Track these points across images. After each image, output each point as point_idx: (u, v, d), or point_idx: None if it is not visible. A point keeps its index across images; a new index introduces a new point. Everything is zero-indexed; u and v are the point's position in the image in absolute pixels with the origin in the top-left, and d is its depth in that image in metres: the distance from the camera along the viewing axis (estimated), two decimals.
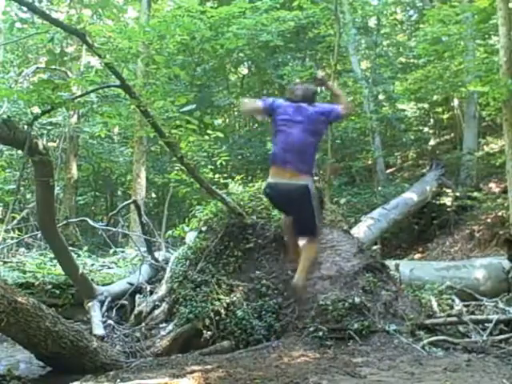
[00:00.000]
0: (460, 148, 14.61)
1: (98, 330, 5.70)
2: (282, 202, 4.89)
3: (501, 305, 6.25)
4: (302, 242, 5.00)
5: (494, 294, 6.91)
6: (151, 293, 6.56)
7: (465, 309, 6.12)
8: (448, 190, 13.10)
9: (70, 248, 7.01)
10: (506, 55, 8.83)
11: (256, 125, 20.85)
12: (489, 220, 11.55)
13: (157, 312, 6.09)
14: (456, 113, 16.39)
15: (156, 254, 7.65)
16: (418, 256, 12.20)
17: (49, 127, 14.34)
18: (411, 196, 12.58)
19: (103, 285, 6.89)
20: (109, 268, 8.44)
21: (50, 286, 6.88)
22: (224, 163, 10.07)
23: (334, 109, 4.86)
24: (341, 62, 15.57)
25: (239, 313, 5.55)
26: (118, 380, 3.89)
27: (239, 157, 17.97)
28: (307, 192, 4.62)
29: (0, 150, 12.34)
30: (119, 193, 19.84)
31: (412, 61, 16.41)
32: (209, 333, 5.57)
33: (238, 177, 8.04)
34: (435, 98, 15.80)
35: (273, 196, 4.89)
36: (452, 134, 17.12)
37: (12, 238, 9.35)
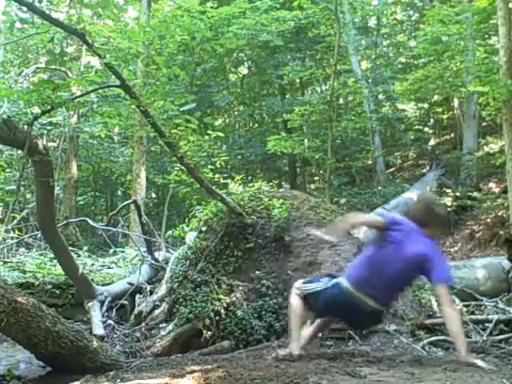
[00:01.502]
0: (460, 148, 14.62)
1: (98, 330, 5.71)
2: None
3: (501, 305, 6.24)
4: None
5: (494, 293, 6.90)
6: (151, 293, 6.56)
7: (465, 309, 6.12)
8: (448, 190, 13.11)
9: (70, 248, 7.01)
10: (506, 55, 8.82)
11: (256, 125, 20.87)
12: (489, 220, 11.56)
13: (157, 312, 6.09)
14: (456, 113, 16.40)
15: (156, 254, 7.65)
16: None
17: (49, 127, 14.35)
18: (411, 196, 12.58)
19: (103, 285, 6.90)
20: (109, 268, 8.44)
21: (49, 286, 6.89)
22: (224, 163, 10.07)
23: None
24: (341, 62, 15.58)
25: (239, 313, 5.55)
26: (118, 380, 3.89)
27: (239, 157, 17.99)
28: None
29: (0, 150, 12.34)
30: (119, 193, 19.86)
31: (411, 61, 16.43)
32: (209, 333, 5.57)
33: (238, 177, 8.05)
34: (435, 98, 15.82)
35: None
36: (452, 134, 17.15)
37: (12, 238, 9.35)
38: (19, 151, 8.86)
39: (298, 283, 4.23)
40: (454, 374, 3.66)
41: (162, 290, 6.34)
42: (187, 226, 7.75)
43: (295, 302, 4.16)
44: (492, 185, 13.41)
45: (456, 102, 16.26)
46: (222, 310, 5.64)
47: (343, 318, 4.30)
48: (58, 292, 6.83)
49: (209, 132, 7.27)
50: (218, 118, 20.97)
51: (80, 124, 14.82)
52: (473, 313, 6.23)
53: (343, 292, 3.99)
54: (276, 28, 14.25)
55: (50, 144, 14.58)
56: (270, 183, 7.74)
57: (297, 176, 18.90)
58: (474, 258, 9.33)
